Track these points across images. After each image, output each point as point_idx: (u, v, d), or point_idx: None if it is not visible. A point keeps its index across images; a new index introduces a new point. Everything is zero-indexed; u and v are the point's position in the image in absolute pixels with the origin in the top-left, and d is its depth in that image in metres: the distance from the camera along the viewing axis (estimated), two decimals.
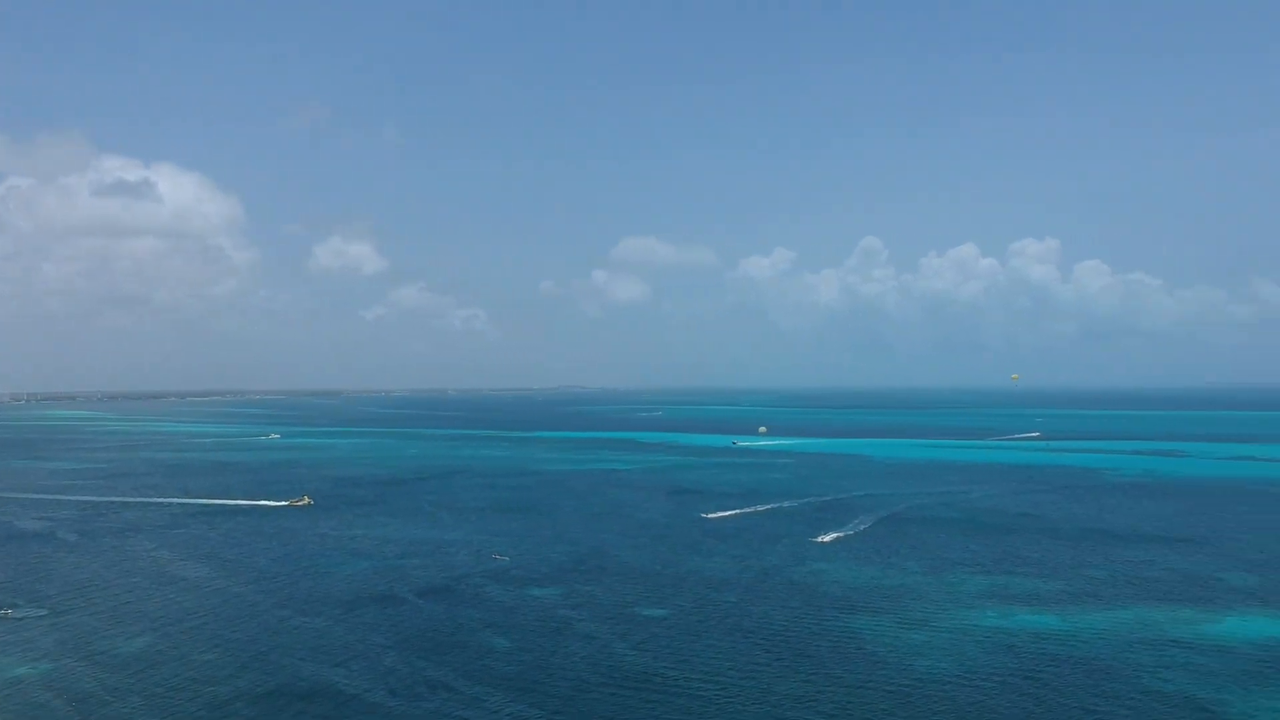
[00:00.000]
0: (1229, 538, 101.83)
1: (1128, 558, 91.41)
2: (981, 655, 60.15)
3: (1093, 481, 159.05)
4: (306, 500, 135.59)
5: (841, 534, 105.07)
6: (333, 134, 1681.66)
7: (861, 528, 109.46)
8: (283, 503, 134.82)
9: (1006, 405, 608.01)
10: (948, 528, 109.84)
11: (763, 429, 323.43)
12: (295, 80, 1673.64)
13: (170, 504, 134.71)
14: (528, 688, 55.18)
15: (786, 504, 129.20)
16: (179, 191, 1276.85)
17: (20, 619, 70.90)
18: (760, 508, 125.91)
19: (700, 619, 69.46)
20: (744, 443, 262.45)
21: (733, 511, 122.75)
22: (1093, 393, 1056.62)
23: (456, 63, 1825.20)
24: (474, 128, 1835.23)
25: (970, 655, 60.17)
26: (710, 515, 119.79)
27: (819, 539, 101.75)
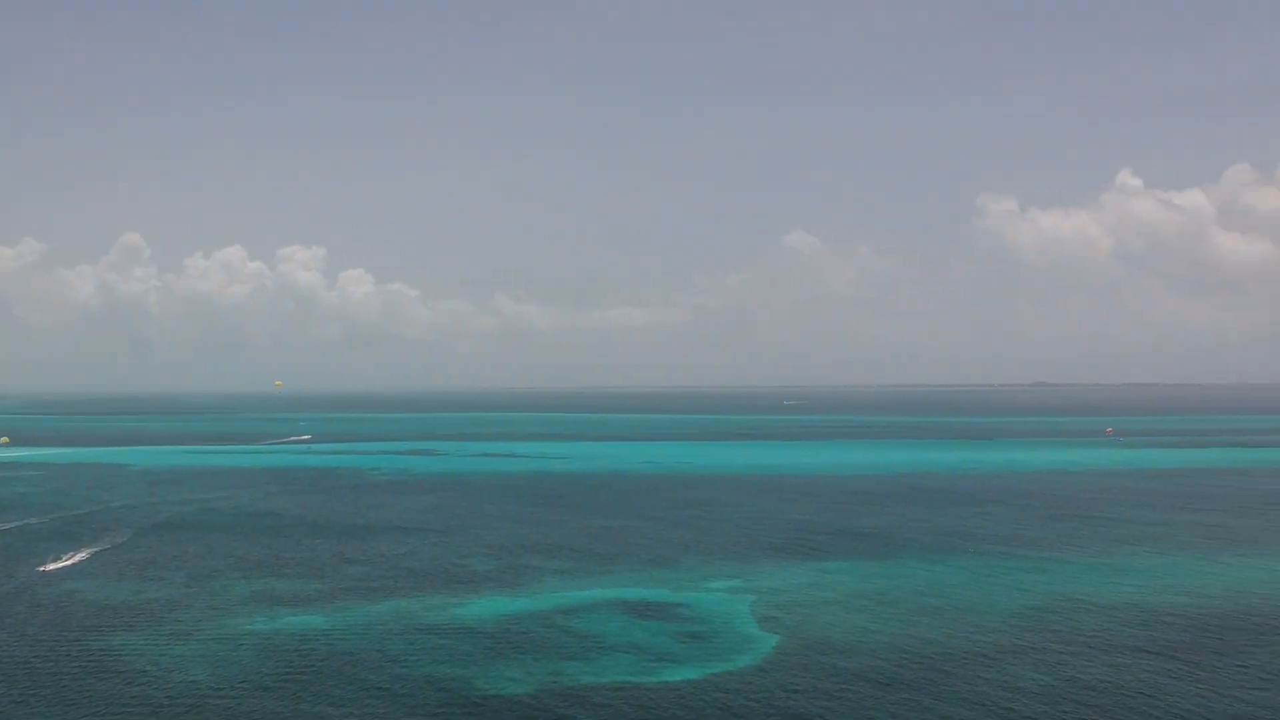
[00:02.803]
0: (475, 527, 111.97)
1: (387, 552, 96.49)
2: (247, 660, 59.68)
3: (357, 481, 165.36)
4: None
5: (95, 549, 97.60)
6: None
7: (119, 541, 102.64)
8: None
9: (274, 409, 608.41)
10: (214, 534, 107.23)
11: (4, 439, 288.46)
12: None
13: None
14: None
15: (30, 522, 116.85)
16: None
17: None
18: None
19: None
20: None
21: None
22: (356, 396, 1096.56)
23: None
24: None
25: (235, 662, 59.41)
26: None
27: (67, 557, 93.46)
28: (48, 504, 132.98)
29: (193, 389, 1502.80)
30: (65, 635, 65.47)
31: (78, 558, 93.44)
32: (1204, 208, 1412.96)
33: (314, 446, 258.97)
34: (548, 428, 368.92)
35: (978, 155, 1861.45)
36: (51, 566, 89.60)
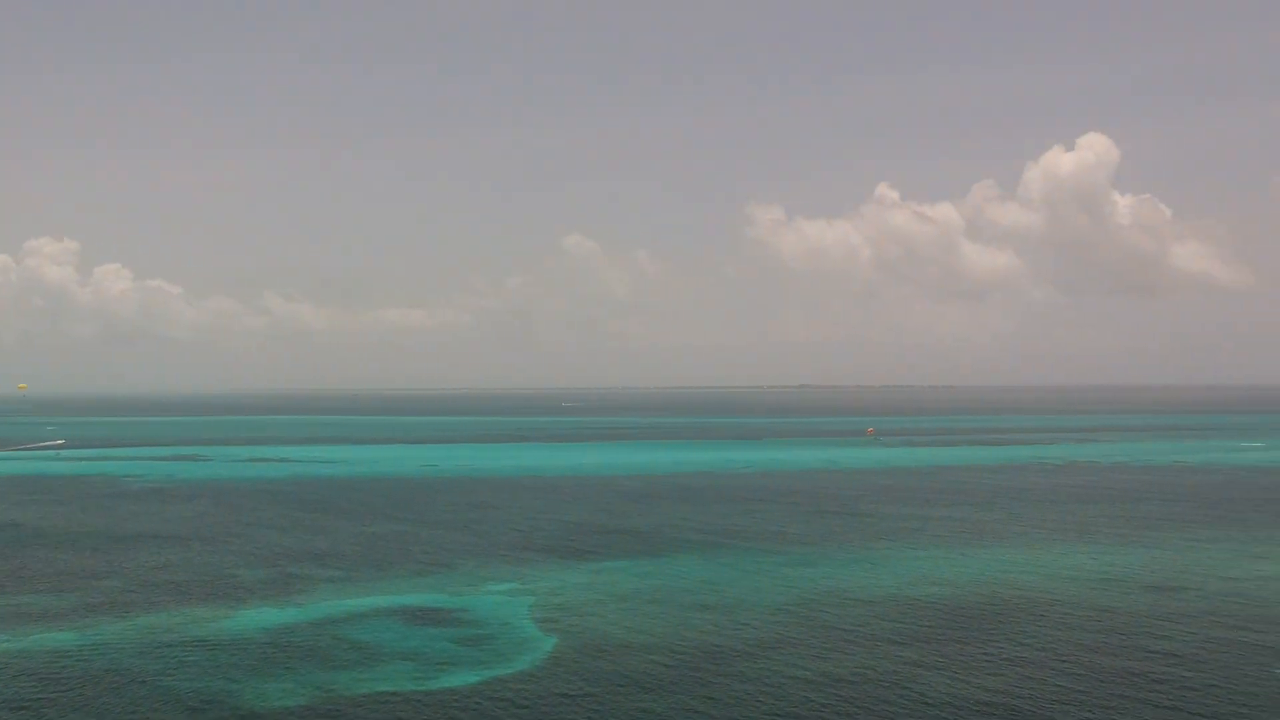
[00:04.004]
0: (242, 535, 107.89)
1: (147, 563, 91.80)
2: None
3: (114, 489, 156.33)
4: None
5: None
6: None
7: None
8: None
9: (20, 413, 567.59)
10: None
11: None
12: None
13: None
14: None
15: None
16: None
17: None
18: None
19: None
20: None
21: None
22: (115, 398, 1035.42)
23: None
24: None
25: None
26: None
27: None
28: None
29: None
30: None
31: None
32: (953, 220, 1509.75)
33: (65, 452, 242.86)
34: (321, 431, 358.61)
35: (747, 165, 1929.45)
36: None
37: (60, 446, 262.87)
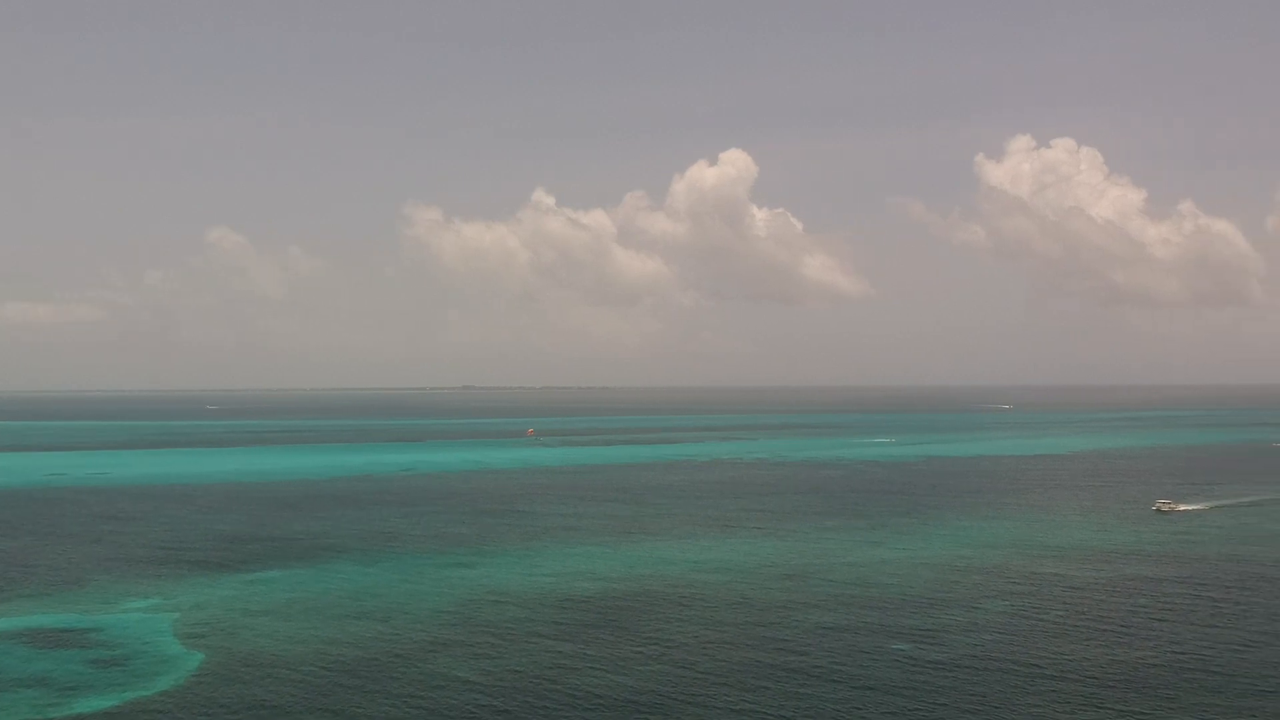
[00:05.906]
0: None
1: None
2: None
3: None
4: None
5: None
6: None
7: None
8: None
9: None
10: None
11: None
12: None
13: None
14: None
15: None
16: None
17: None
18: None
19: None
20: None
21: None
22: None
23: None
24: None
25: None
26: None
27: None
28: None
29: None
30: None
31: None
32: (607, 227, 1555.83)
33: None
34: None
35: (405, 164, 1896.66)
36: None
37: None
